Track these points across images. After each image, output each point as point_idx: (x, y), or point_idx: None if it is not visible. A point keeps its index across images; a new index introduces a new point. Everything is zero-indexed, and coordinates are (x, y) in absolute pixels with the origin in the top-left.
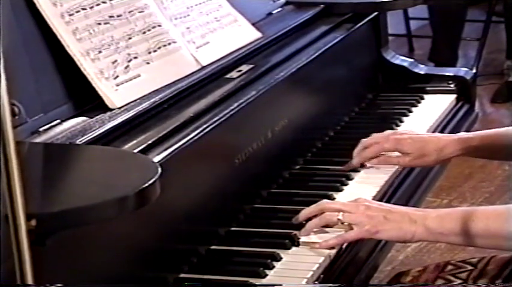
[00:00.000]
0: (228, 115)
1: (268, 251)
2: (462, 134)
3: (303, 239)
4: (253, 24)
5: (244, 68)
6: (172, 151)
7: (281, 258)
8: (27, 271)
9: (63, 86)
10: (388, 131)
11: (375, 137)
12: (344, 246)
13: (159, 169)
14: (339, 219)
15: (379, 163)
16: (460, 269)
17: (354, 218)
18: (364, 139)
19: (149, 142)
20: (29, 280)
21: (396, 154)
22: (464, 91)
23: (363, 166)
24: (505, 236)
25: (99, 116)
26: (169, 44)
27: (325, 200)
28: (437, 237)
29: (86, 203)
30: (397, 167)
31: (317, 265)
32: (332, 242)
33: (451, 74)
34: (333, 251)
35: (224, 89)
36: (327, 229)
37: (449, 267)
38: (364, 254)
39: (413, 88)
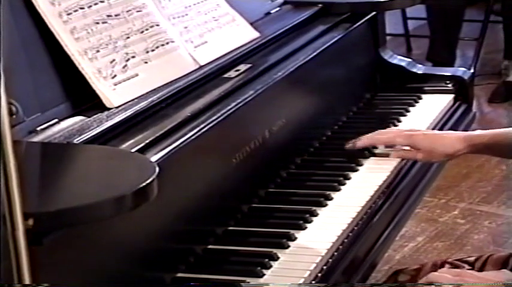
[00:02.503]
0: (225, 115)
1: (266, 251)
2: (472, 133)
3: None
4: (251, 23)
5: (242, 67)
6: (170, 151)
7: (278, 257)
8: (25, 270)
9: (61, 85)
10: (401, 128)
11: (389, 130)
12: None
13: (157, 169)
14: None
15: (392, 155)
16: (457, 268)
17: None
18: (380, 130)
19: (147, 141)
20: (27, 279)
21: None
22: (462, 91)
23: (366, 150)
24: None
25: (97, 115)
26: (167, 43)
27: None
28: None
29: (83, 203)
30: (392, 169)
31: (314, 265)
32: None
33: (448, 73)
34: (330, 251)
35: (222, 89)
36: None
37: (447, 266)
38: (362, 253)
39: (411, 88)
